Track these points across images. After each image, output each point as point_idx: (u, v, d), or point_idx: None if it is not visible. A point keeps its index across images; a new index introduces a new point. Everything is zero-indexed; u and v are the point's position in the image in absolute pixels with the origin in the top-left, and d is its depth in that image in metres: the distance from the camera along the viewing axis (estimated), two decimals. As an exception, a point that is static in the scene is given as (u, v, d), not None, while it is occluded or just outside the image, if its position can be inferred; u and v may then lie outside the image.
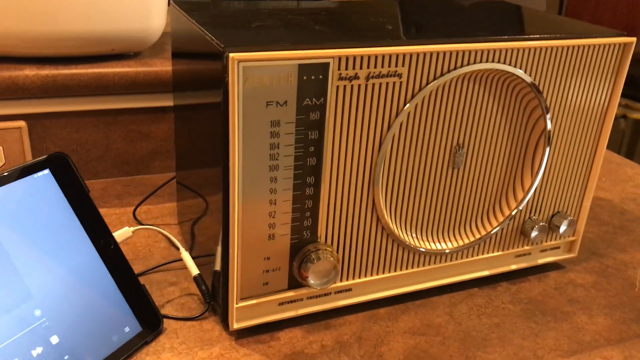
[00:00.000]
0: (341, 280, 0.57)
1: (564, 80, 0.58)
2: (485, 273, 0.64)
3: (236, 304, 0.53)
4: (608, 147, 2.05)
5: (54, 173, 0.51)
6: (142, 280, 0.61)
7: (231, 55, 0.44)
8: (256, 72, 0.45)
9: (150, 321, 0.54)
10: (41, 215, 0.50)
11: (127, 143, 0.80)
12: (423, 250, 0.59)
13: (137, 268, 0.63)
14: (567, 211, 0.65)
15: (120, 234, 0.55)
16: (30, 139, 0.75)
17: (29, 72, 0.71)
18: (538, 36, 0.55)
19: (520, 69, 0.55)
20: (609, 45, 0.58)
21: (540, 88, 0.57)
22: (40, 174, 0.51)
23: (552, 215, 0.64)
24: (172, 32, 0.61)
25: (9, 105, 0.72)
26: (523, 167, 0.61)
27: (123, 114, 0.79)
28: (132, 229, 0.57)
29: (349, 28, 0.54)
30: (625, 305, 0.62)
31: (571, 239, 0.67)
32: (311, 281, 0.53)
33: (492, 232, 0.61)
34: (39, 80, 0.72)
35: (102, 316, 0.50)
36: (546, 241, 0.66)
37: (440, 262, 0.61)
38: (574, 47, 0.56)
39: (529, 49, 0.54)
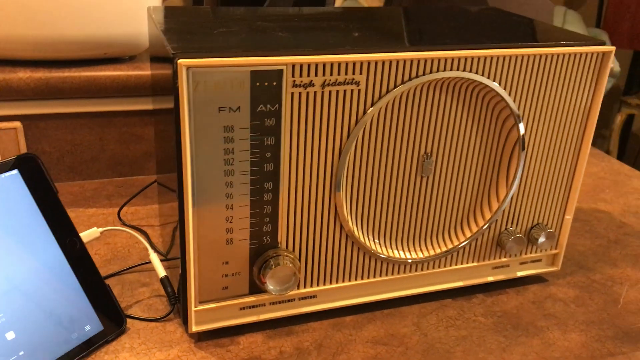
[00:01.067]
0: (305, 287, 0.57)
1: (539, 90, 0.56)
2: (459, 284, 0.62)
3: (195, 307, 0.53)
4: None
5: (22, 174, 0.53)
6: (115, 280, 0.62)
7: (179, 61, 0.45)
8: (207, 78, 0.46)
9: (112, 320, 0.55)
10: (6, 214, 0.51)
11: (121, 145, 0.82)
12: (391, 259, 0.58)
13: (113, 268, 0.64)
14: (548, 223, 0.63)
15: (87, 235, 0.57)
16: (25, 139, 0.78)
17: (23, 74, 0.74)
18: (507, 44, 0.53)
19: (489, 77, 0.54)
20: (586, 55, 0.56)
21: (512, 97, 0.55)
22: (8, 174, 0.52)
23: (531, 227, 0.63)
24: (149, 37, 0.63)
25: (4, 106, 0.74)
26: (498, 177, 0.60)
27: (117, 116, 0.80)
28: (100, 229, 0.58)
29: (313, 35, 0.54)
30: (604, 322, 0.60)
31: (553, 251, 0.65)
32: (270, 287, 0.53)
33: (465, 243, 0.60)
34: (32, 82, 0.74)
35: (62, 314, 0.52)
36: (525, 253, 0.64)
37: (409, 271, 0.60)
38: (547, 55, 0.55)
39: (497, 57, 0.53)
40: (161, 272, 0.58)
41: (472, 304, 0.62)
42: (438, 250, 0.60)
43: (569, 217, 0.64)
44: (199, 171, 0.48)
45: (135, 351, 0.53)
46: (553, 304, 0.63)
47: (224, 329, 0.56)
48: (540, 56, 0.55)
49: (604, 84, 0.58)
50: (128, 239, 0.69)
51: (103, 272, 0.63)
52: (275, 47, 0.48)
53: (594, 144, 2.80)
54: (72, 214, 0.74)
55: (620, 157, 2.53)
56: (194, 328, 0.54)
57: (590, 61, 0.57)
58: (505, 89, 0.55)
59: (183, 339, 0.55)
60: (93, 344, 0.53)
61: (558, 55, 0.55)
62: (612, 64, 2.06)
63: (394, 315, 0.60)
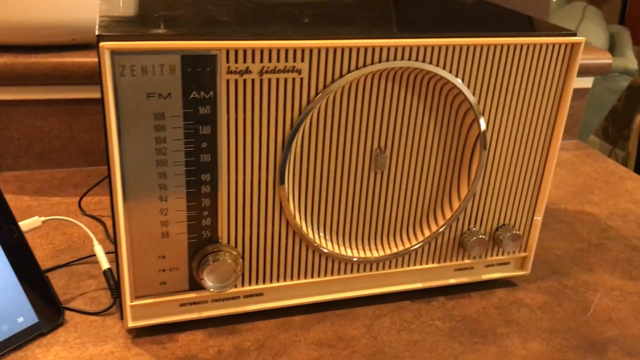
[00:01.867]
0: (250, 284, 0.54)
1: (500, 83, 0.53)
2: (418, 286, 0.59)
3: (131, 302, 0.51)
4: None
5: (-42, 159, 0.51)
6: (64, 271, 0.61)
7: (102, 44, 0.42)
8: (133, 63, 0.44)
9: (49, 313, 0.53)
10: (-63, 200, 0.50)
11: (91, 133, 0.80)
12: (342, 257, 0.55)
13: (65, 258, 0.63)
14: (515, 224, 0.60)
15: (27, 224, 0.55)
16: (-7, 125, 0.77)
17: (-12, 59, 0.72)
18: (463, 33, 0.50)
19: (444, 68, 0.51)
20: (553, 45, 0.53)
21: (472, 90, 0.52)
22: (-58, 159, 0.51)
23: (497, 229, 0.60)
24: (102, 21, 0.61)
25: (-31, 91, 0.73)
26: (459, 174, 0.56)
27: (87, 104, 0.79)
28: (42, 218, 0.56)
29: (260, 21, 0.51)
30: (569, 331, 0.57)
31: (522, 254, 0.62)
32: (208, 283, 0.51)
33: (423, 243, 0.57)
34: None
35: (-8, 305, 0.50)
36: (491, 255, 0.61)
37: (363, 270, 0.57)
38: (509, 45, 0.51)
39: (453, 47, 0.50)
40: (105, 264, 0.56)
41: (431, 307, 0.59)
42: (394, 250, 0.57)
43: (538, 218, 0.60)
44: (129, 160, 0.46)
45: (68, 345, 0.51)
46: (518, 310, 0.59)
47: (165, 325, 0.54)
48: (502, 46, 0.51)
49: (574, 77, 0.54)
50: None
51: (54, 262, 0.62)
52: (210, 32, 0.46)
53: (614, 145, 2.72)
54: (36, 202, 0.73)
55: (641, 159, 2.45)
56: (130, 324, 0.52)
57: (559, 53, 0.53)
58: (463, 81, 0.52)
59: (120, 334, 0.53)
60: (25, 336, 0.51)
61: (521, 46, 0.52)
62: (627, 61, 2.00)
63: (346, 317, 0.57)
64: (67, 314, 0.55)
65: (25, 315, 0.52)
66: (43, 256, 0.63)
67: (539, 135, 0.56)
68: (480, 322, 0.57)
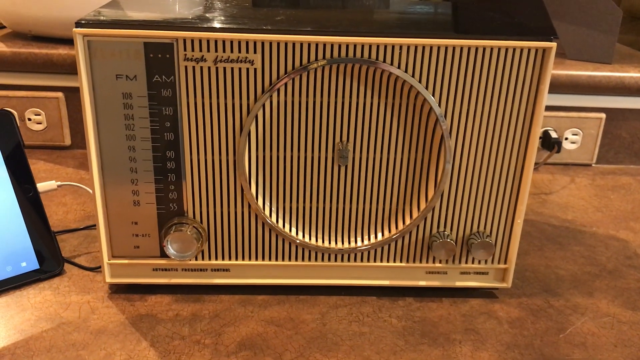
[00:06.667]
0: (217, 259, 0.59)
1: (463, 85, 0.53)
2: (384, 283, 0.60)
3: (108, 260, 0.58)
4: None
5: (-6, 126, 0.62)
6: (82, 233, 0.69)
7: (75, 30, 0.50)
8: (104, 48, 0.50)
9: (49, 263, 0.61)
10: (-29, 157, 0.60)
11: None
12: (306, 244, 0.58)
13: (91, 221, 0.71)
14: (492, 233, 0.59)
15: (44, 185, 0.64)
16: (67, 108, 0.89)
17: (62, 51, 0.84)
18: (422, 33, 0.51)
19: (399, 67, 0.52)
20: (521, 50, 0.52)
21: (430, 90, 0.53)
22: (-19, 124, 0.61)
23: (471, 235, 0.59)
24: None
25: (47, 78, 0.86)
26: (428, 174, 0.57)
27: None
28: (58, 183, 0.65)
29: (236, 17, 0.56)
30: (530, 348, 0.54)
31: (501, 266, 0.60)
32: (170, 250, 0.56)
33: (390, 240, 0.58)
34: (69, 58, 0.84)
35: (1, 247, 0.59)
36: (465, 262, 0.60)
37: (328, 260, 0.59)
38: (469, 47, 0.51)
39: (400, 46, 0.51)
40: (105, 228, 0.64)
41: (396, 305, 0.59)
42: (360, 244, 0.59)
43: (517, 228, 0.58)
44: (103, 134, 0.53)
45: (57, 291, 0.59)
46: (485, 321, 0.58)
47: (142, 287, 0.60)
48: (461, 48, 0.51)
49: (548, 82, 0.52)
50: (115, 201, 0.76)
51: (79, 224, 0.71)
52: (169, 23, 0.51)
53: None
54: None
55: None
56: (108, 279, 0.59)
57: (528, 58, 0.52)
58: (420, 81, 0.52)
59: (102, 289, 0.60)
60: (25, 278, 0.60)
61: (484, 48, 0.51)
62: None
63: (307, 302, 0.59)
64: (68, 267, 0.63)
65: (28, 261, 0.61)
66: (72, 219, 0.72)
67: (512, 144, 0.55)
68: (438, 326, 0.57)
